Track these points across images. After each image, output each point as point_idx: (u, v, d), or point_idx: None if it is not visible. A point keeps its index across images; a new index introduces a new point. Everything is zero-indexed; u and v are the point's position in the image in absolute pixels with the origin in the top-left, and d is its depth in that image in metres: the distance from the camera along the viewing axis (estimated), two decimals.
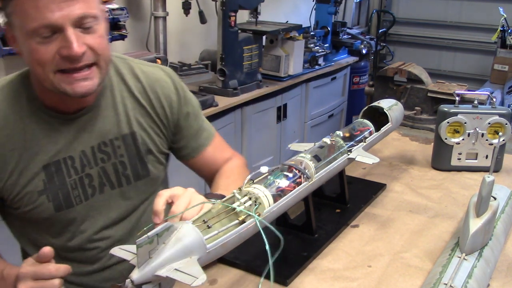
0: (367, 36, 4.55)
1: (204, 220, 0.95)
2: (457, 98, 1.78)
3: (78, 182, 1.18)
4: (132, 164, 1.24)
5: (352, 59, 4.22)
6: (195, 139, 1.37)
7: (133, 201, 1.28)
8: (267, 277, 0.95)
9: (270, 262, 0.93)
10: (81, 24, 1.01)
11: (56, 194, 1.16)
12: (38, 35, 0.99)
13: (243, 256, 1.24)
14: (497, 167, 1.79)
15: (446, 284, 1.07)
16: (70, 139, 1.16)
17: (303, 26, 3.57)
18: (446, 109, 1.76)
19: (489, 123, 1.74)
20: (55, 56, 1.00)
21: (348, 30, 4.32)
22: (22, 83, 1.14)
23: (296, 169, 1.20)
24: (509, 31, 4.05)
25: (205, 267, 0.87)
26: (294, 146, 1.49)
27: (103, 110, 1.20)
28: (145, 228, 0.81)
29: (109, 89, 1.21)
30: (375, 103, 1.70)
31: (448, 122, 1.75)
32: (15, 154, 1.12)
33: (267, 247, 0.92)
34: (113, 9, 2.45)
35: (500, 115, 1.73)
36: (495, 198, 1.23)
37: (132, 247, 0.84)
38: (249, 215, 1.00)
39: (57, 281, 0.95)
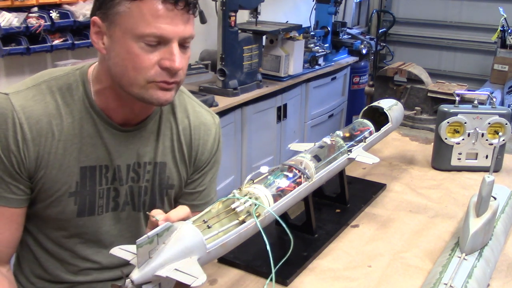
0: (367, 36, 4.55)
1: (204, 220, 0.95)
2: (457, 98, 1.78)
3: (105, 192, 1.17)
4: (152, 193, 1.22)
5: (352, 59, 4.22)
6: (200, 198, 1.32)
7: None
8: (267, 277, 0.95)
9: (272, 264, 0.93)
10: (183, 43, 1.05)
11: (84, 198, 1.15)
12: (144, 41, 1.00)
13: (243, 256, 1.24)
14: (497, 167, 1.79)
15: (446, 284, 1.07)
16: (110, 149, 1.15)
17: (303, 26, 3.57)
18: (446, 109, 1.76)
19: (489, 123, 1.74)
20: (155, 66, 1.02)
21: (348, 30, 4.32)
22: (80, 79, 1.14)
23: (296, 169, 1.20)
24: (509, 31, 4.05)
25: (205, 267, 0.87)
26: (294, 146, 1.49)
27: (147, 133, 1.19)
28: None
29: (159, 114, 1.21)
30: (375, 103, 1.70)
31: (448, 122, 1.75)
32: (60, 145, 1.10)
33: (268, 247, 0.92)
34: None
35: (500, 115, 1.73)
36: (495, 198, 1.23)
37: (132, 247, 0.84)
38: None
39: None
